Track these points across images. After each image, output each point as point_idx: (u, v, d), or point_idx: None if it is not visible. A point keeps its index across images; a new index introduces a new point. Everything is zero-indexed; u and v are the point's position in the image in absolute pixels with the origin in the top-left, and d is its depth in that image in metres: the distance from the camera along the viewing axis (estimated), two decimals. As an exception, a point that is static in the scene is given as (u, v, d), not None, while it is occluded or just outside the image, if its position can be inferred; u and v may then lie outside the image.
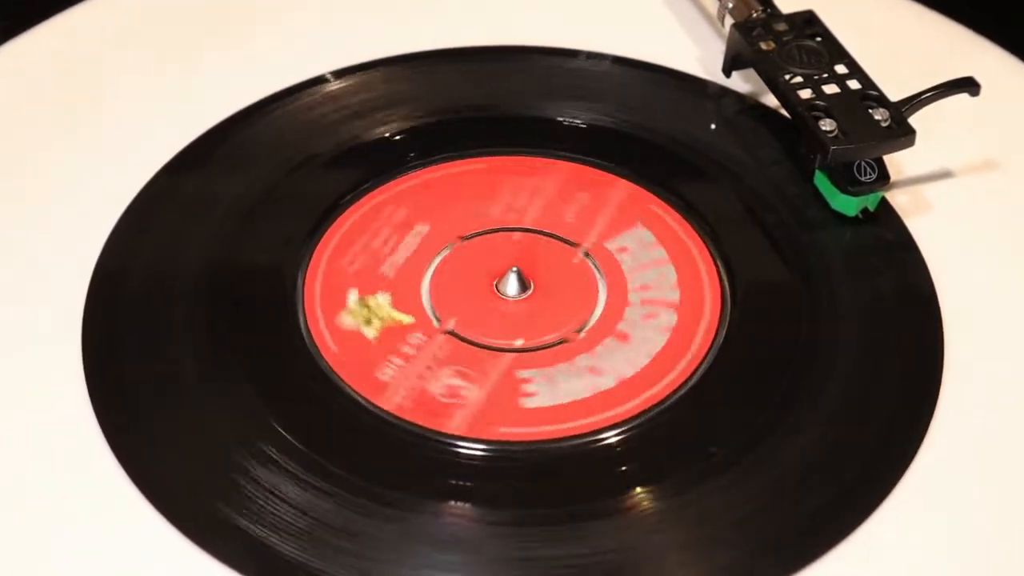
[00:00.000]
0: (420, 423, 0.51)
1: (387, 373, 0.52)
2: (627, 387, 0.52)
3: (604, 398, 0.52)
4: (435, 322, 0.54)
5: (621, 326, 0.54)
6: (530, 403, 0.52)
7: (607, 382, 0.52)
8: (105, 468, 0.49)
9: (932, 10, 0.68)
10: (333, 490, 0.49)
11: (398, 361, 0.53)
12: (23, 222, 0.58)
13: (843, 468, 0.50)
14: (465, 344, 0.54)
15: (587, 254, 0.56)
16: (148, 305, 0.54)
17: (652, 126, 0.62)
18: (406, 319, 0.54)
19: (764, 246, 0.57)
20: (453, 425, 0.51)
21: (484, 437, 0.50)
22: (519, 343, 0.54)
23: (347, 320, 0.54)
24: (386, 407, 0.51)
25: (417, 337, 0.54)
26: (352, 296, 0.55)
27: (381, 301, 0.54)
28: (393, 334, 0.54)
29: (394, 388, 0.52)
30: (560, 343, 0.54)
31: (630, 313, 0.54)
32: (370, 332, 0.54)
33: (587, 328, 0.54)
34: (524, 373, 0.53)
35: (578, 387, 0.52)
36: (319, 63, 0.64)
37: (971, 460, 0.51)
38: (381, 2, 0.69)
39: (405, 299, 0.55)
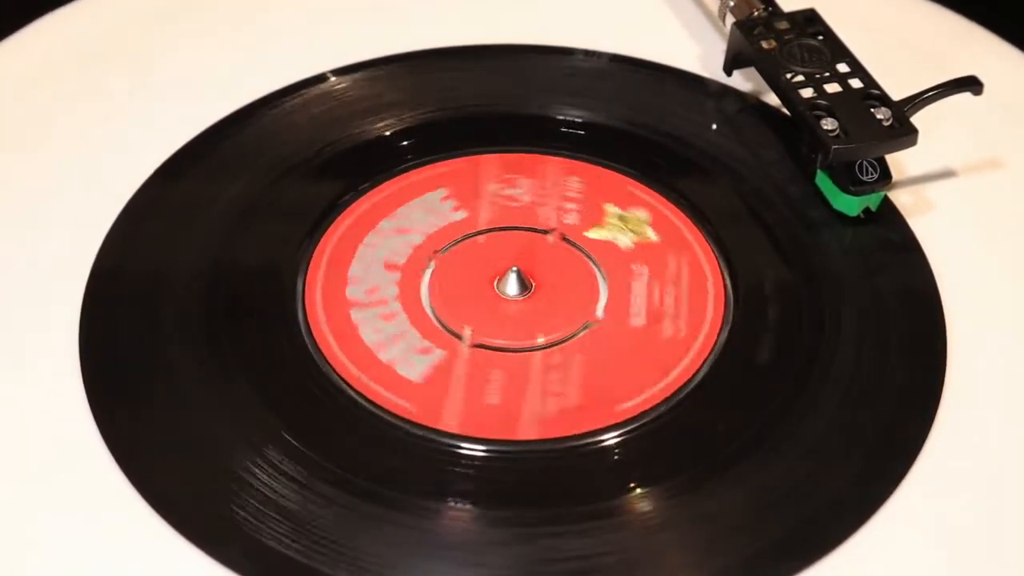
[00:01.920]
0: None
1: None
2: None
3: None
4: (457, 337, 0.54)
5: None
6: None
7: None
8: (102, 469, 0.49)
9: (936, 4, 0.68)
10: (333, 490, 0.49)
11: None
12: (20, 222, 0.58)
13: (844, 469, 0.50)
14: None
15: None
16: (146, 306, 0.54)
17: (652, 125, 0.62)
18: (651, 234, 0.55)
19: (766, 246, 0.57)
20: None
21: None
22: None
23: (616, 238, 0.55)
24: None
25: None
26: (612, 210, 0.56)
27: (640, 216, 0.55)
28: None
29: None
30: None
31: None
32: (625, 242, 0.55)
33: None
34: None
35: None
36: (318, 62, 0.64)
37: (974, 461, 0.50)
38: (380, 1, 0.68)
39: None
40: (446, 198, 0.58)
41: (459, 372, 0.53)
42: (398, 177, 0.59)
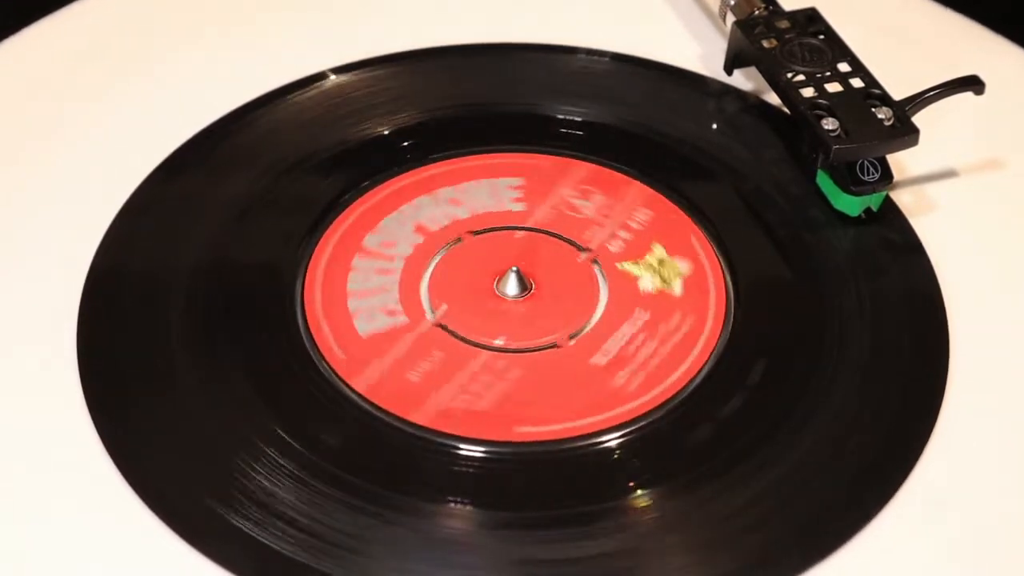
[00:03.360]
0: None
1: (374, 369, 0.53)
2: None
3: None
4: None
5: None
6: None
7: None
8: (100, 469, 0.49)
9: (938, 3, 0.68)
10: (332, 491, 0.49)
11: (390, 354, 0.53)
12: (19, 220, 0.57)
13: (847, 470, 0.50)
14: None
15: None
16: (144, 304, 0.54)
17: (653, 124, 0.62)
18: (678, 288, 0.55)
19: (767, 246, 0.57)
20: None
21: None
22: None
23: (642, 277, 0.55)
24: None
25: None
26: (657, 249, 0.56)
27: (677, 266, 0.55)
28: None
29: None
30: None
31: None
32: (646, 286, 0.55)
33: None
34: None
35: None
36: (318, 60, 0.64)
37: (977, 462, 0.50)
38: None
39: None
40: (516, 187, 0.58)
41: (405, 341, 0.53)
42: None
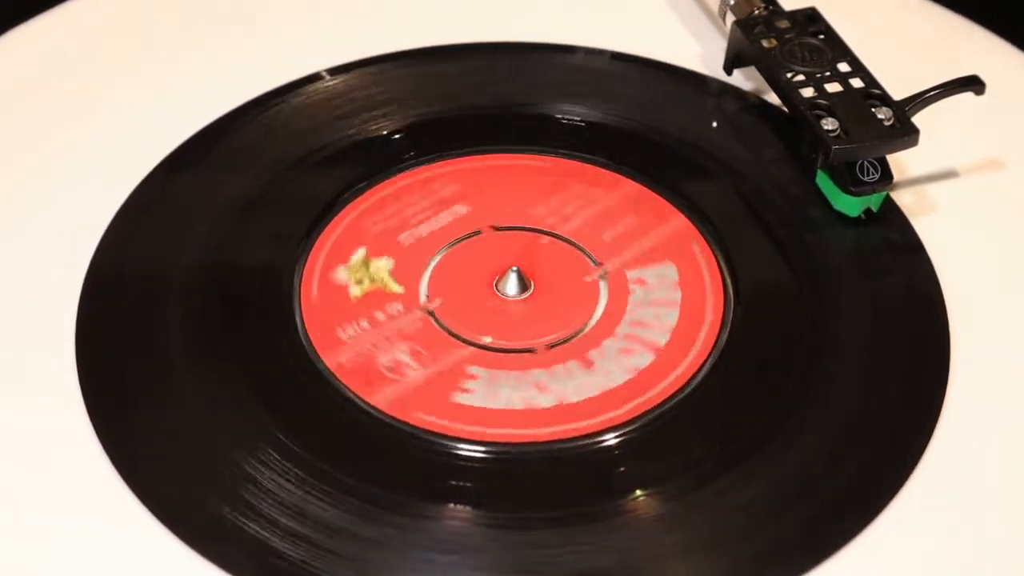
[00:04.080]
0: (350, 387, 0.51)
1: (348, 333, 0.53)
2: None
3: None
4: (422, 298, 0.54)
5: (592, 353, 0.53)
6: (461, 399, 0.51)
7: (544, 401, 0.51)
8: (99, 470, 0.49)
9: (938, 4, 0.68)
10: (331, 491, 0.48)
11: (364, 324, 0.53)
12: (17, 220, 0.57)
13: (848, 470, 0.50)
14: (437, 327, 0.53)
15: (604, 276, 0.56)
16: (142, 304, 0.54)
17: (652, 124, 0.61)
18: (396, 288, 0.54)
19: (766, 246, 0.57)
20: (377, 398, 0.51)
21: (399, 417, 0.51)
22: (487, 340, 0.53)
23: (341, 275, 0.54)
24: (329, 364, 0.52)
25: (395, 307, 0.54)
26: (358, 254, 0.55)
27: (381, 265, 0.54)
28: (376, 299, 0.54)
29: (347, 348, 0.52)
30: (527, 351, 0.53)
31: (608, 344, 0.53)
32: (356, 291, 0.54)
33: (560, 344, 0.53)
34: (473, 369, 0.52)
35: (514, 398, 0.51)
36: (315, 60, 0.64)
37: (978, 462, 0.50)
38: (378, -1, 0.69)
39: (406, 270, 0.55)
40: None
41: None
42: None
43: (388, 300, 0.54)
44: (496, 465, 0.50)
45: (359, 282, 0.54)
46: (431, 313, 0.54)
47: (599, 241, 0.56)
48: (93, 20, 0.66)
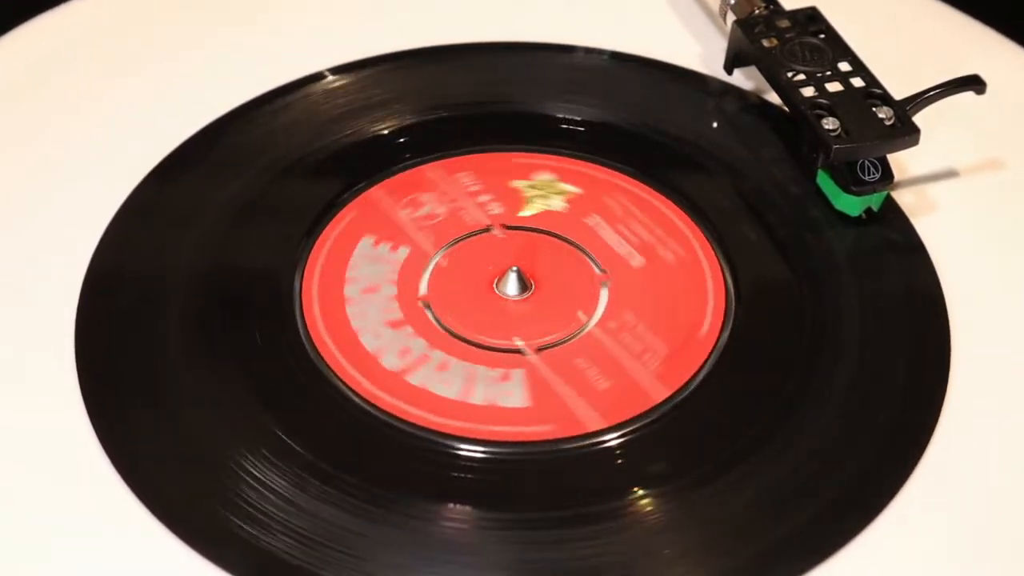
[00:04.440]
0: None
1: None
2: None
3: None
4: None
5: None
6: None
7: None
8: (99, 472, 0.49)
9: (939, 2, 0.68)
10: (331, 491, 0.48)
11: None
12: (17, 220, 0.57)
13: (848, 470, 0.50)
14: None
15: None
16: (142, 306, 0.54)
17: (653, 123, 0.61)
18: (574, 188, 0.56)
19: (767, 245, 0.57)
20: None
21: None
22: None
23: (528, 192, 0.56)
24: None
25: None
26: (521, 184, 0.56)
27: (547, 179, 0.56)
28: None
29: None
30: (516, 352, 0.53)
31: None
32: (558, 204, 0.56)
33: (547, 350, 0.53)
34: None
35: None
36: (314, 61, 0.63)
37: (978, 462, 0.50)
38: (378, -1, 0.69)
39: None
40: (377, 243, 0.57)
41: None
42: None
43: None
44: (497, 465, 0.50)
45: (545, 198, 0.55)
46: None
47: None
48: (93, 20, 0.66)
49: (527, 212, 0.57)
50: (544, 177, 0.56)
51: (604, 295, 0.55)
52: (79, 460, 0.49)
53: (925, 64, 0.62)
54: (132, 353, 0.52)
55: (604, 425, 0.51)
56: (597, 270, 0.56)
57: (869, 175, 0.56)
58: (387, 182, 0.59)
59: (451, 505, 0.48)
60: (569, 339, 0.53)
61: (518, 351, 0.53)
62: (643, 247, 0.56)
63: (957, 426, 0.51)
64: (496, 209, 0.58)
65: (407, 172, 0.59)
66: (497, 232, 0.57)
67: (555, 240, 0.57)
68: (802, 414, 0.51)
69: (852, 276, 0.55)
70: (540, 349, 0.53)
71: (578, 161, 0.60)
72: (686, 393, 0.52)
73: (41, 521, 0.48)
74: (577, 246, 0.56)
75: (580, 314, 0.54)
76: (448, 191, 0.58)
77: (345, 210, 0.57)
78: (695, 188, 0.59)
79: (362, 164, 0.59)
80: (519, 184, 0.57)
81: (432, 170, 0.59)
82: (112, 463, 0.49)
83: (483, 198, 0.58)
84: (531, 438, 0.50)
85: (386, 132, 0.61)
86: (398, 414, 0.51)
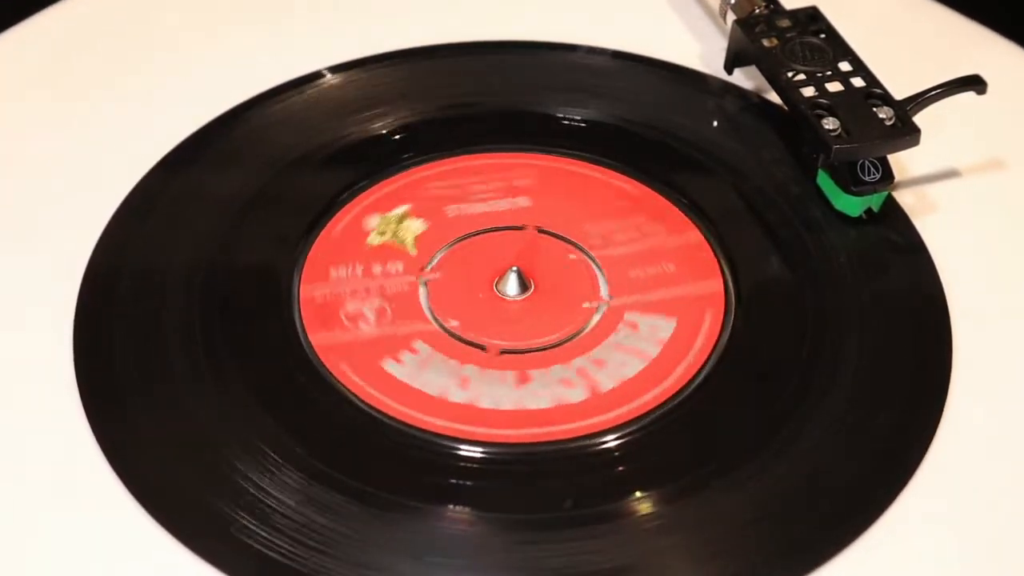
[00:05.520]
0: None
1: (338, 273, 0.54)
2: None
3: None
4: (426, 267, 0.55)
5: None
6: (389, 367, 0.52)
7: (459, 396, 0.51)
8: (96, 468, 0.49)
9: (939, 3, 0.68)
10: (331, 491, 0.48)
11: (358, 271, 0.54)
12: (17, 217, 0.57)
13: (848, 471, 0.50)
14: (416, 302, 0.54)
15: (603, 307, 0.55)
16: (142, 302, 0.54)
17: (653, 123, 0.61)
18: (411, 251, 0.55)
19: (767, 246, 0.57)
20: (317, 337, 0.52)
21: (325, 363, 0.52)
22: (453, 324, 0.53)
23: (372, 222, 0.56)
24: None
25: (396, 267, 0.55)
26: (399, 209, 0.56)
27: (412, 227, 0.55)
28: (386, 253, 0.55)
29: (330, 285, 0.54)
30: (480, 348, 0.53)
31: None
32: (375, 239, 0.55)
33: (511, 352, 0.53)
34: (417, 344, 0.53)
35: (436, 382, 0.52)
36: (316, 59, 0.63)
37: (979, 463, 0.50)
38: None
39: (432, 240, 0.56)
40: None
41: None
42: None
43: (395, 258, 0.55)
44: (497, 467, 0.50)
45: (381, 233, 0.55)
46: (425, 284, 0.54)
47: (624, 275, 0.56)
48: (93, 18, 0.66)
49: None
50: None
51: (596, 316, 0.55)
52: (76, 458, 0.49)
53: (926, 64, 0.61)
54: (131, 353, 0.52)
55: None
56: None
57: (869, 175, 0.56)
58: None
59: (450, 506, 0.48)
60: (499, 352, 0.53)
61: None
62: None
63: (958, 427, 0.51)
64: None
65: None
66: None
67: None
68: (802, 414, 0.51)
69: (853, 276, 0.55)
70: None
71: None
72: (686, 394, 0.52)
73: (39, 521, 0.48)
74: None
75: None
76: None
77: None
78: (695, 188, 0.59)
79: (362, 164, 0.59)
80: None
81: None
82: (110, 463, 0.49)
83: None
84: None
85: (385, 132, 0.61)
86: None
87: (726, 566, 0.47)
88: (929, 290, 0.55)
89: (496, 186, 0.59)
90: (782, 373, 0.52)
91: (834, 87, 0.58)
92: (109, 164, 0.59)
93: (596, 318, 0.54)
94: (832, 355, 0.53)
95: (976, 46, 0.66)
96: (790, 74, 0.59)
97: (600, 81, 0.63)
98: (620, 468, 0.50)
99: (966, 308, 0.54)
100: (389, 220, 0.55)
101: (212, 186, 0.58)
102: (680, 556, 0.48)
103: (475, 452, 0.50)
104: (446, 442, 0.50)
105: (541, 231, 0.57)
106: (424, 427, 0.50)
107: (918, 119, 0.57)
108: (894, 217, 0.58)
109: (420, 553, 0.47)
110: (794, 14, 0.62)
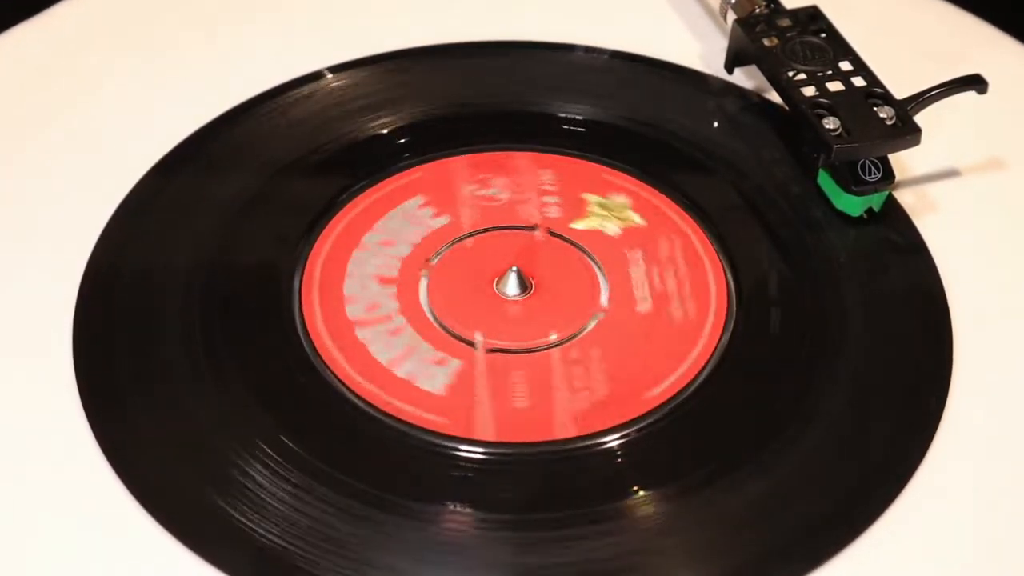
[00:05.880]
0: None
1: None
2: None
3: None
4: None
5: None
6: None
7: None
8: (95, 468, 0.49)
9: (941, 0, 0.68)
10: (331, 491, 0.48)
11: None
12: (15, 218, 0.57)
13: (849, 471, 0.50)
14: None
15: (552, 232, 0.56)
16: (141, 303, 0.54)
17: (653, 123, 0.61)
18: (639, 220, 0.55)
19: (768, 246, 0.57)
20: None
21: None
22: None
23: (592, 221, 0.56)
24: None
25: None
26: (618, 198, 0.56)
27: (621, 202, 0.55)
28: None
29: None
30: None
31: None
32: (613, 229, 0.55)
33: (494, 351, 0.53)
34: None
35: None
36: (315, 59, 0.63)
37: (980, 462, 0.50)
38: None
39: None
40: (423, 205, 0.57)
41: (479, 378, 0.52)
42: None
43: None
44: (497, 466, 0.50)
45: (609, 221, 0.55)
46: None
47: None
48: (91, 18, 0.66)
49: (579, 225, 0.57)
50: (618, 199, 0.56)
51: (604, 286, 0.55)
52: (76, 458, 0.49)
53: (926, 63, 0.61)
54: (131, 353, 0.52)
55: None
56: (587, 256, 0.56)
57: (870, 175, 0.56)
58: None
59: (450, 505, 0.48)
60: (581, 333, 0.53)
61: (532, 351, 0.53)
62: (659, 297, 0.55)
63: (958, 427, 0.51)
64: (554, 213, 0.57)
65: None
66: (539, 235, 0.56)
67: (581, 256, 0.56)
68: (803, 414, 0.51)
69: (853, 276, 0.55)
70: (490, 351, 0.53)
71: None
72: (686, 395, 0.51)
73: (39, 521, 0.48)
74: (566, 239, 0.56)
75: (585, 307, 0.54)
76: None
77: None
78: (696, 187, 0.59)
79: (362, 163, 0.59)
80: (591, 198, 0.57)
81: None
82: (109, 462, 0.49)
83: (549, 199, 0.58)
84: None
85: (385, 132, 0.61)
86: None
87: (726, 566, 0.47)
88: (929, 290, 0.55)
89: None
90: (782, 373, 0.52)
91: (835, 87, 0.58)
92: (109, 164, 0.59)
93: (592, 323, 0.54)
94: (832, 355, 0.53)
95: (977, 45, 0.65)
96: (791, 73, 0.59)
97: (599, 81, 0.63)
98: (620, 468, 0.50)
99: (966, 308, 0.54)
100: (610, 206, 0.55)
101: (212, 186, 0.58)
102: (680, 556, 0.48)
103: (475, 452, 0.50)
104: (447, 442, 0.50)
105: (552, 233, 0.57)
106: (425, 427, 0.50)
107: (919, 119, 0.57)
108: (894, 217, 0.58)
109: (420, 553, 0.47)
110: (794, 13, 0.62)
